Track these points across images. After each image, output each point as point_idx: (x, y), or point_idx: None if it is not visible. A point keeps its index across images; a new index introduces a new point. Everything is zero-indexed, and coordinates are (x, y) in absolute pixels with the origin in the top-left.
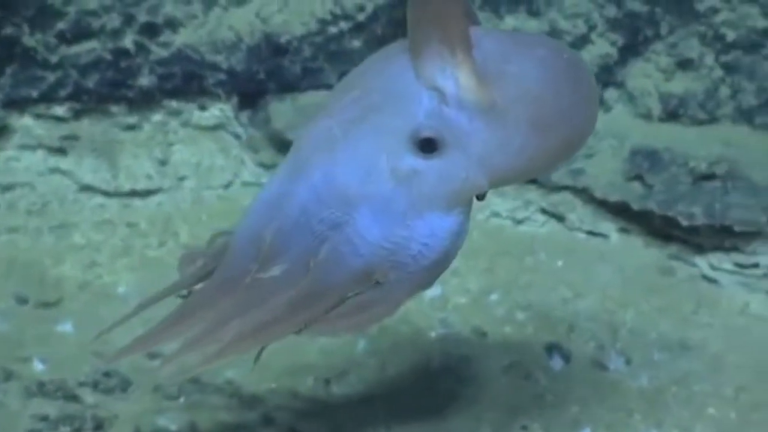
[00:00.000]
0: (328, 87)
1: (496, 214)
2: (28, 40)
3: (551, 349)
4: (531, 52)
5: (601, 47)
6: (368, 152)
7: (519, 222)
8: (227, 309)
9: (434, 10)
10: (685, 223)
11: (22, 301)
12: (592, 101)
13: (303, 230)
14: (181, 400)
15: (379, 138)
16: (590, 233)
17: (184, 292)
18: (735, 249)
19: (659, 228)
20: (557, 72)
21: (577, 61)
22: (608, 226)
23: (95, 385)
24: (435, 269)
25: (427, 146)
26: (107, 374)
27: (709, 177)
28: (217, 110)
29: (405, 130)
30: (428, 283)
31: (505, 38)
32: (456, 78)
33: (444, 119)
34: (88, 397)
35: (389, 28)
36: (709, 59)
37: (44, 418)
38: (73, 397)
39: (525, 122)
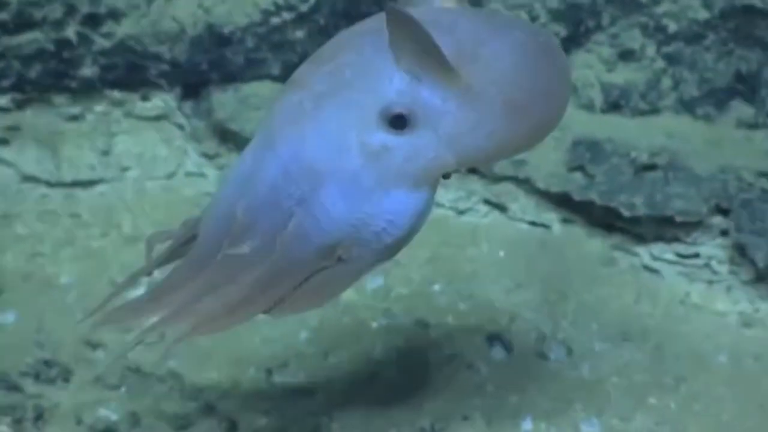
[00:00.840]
0: (271, 77)
1: (439, 205)
2: None
3: (493, 339)
4: (506, 35)
5: None
6: (338, 127)
7: (462, 212)
8: (200, 286)
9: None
10: (626, 213)
11: None
12: (565, 85)
13: (271, 206)
14: (123, 389)
15: (349, 113)
16: (532, 224)
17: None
18: (676, 239)
19: (601, 218)
20: (532, 55)
21: (552, 44)
22: (550, 217)
23: (37, 376)
24: (397, 245)
25: (398, 123)
26: (48, 364)
27: (651, 167)
28: (160, 101)
29: (376, 106)
30: (388, 258)
31: (481, 20)
32: (431, 68)
33: (416, 98)
34: (30, 387)
35: (332, 18)
36: (651, 50)
37: None
38: (15, 387)
39: (498, 105)
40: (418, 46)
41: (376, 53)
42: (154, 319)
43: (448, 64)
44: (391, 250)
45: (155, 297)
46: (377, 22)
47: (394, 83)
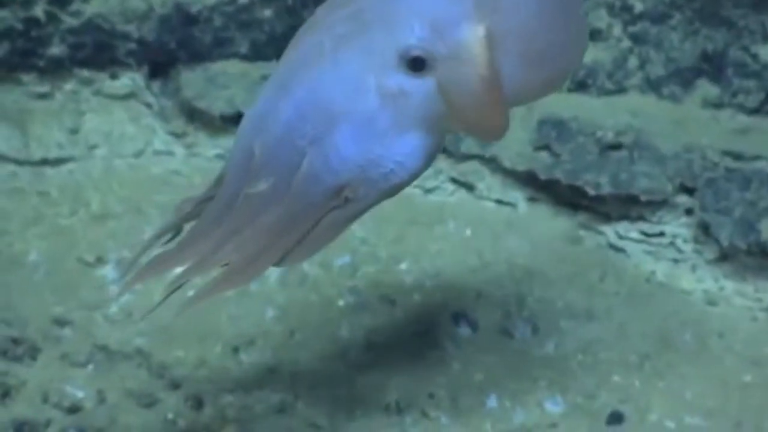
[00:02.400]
0: (239, 56)
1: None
2: None
3: (458, 317)
4: None
5: None
6: (357, 68)
7: (428, 191)
8: (223, 231)
9: None
10: (592, 192)
11: None
12: (582, 36)
13: (287, 145)
14: (90, 367)
15: (369, 55)
16: (499, 202)
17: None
18: (641, 218)
19: (567, 197)
20: (549, 7)
21: None
22: (516, 195)
23: (3, 353)
24: (402, 186)
25: (417, 65)
26: (16, 342)
27: (616, 147)
28: (128, 79)
29: (396, 49)
30: (390, 197)
31: None
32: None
33: (435, 41)
34: None
35: None
36: (618, 30)
37: None
38: None
39: (516, 54)
40: None
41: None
42: (181, 269)
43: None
44: (396, 190)
45: (183, 247)
46: None
47: (415, 28)
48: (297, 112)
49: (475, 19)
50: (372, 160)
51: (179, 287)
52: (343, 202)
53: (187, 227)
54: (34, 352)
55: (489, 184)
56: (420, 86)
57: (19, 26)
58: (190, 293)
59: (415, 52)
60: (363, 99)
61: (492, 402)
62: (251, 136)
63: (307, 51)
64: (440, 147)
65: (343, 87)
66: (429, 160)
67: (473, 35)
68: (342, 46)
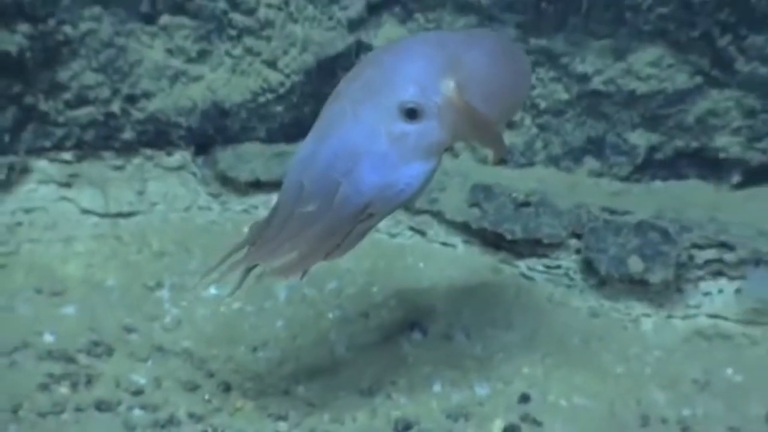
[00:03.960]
0: (259, 140)
1: (377, 230)
2: (43, 106)
3: (414, 325)
4: (481, 45)
5: None
6: (371, 121)
7: (393, 236)
8: (283, 236)
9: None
10: (509, 237)
11: (39, 291)
12: (526, 76)
13: (326, 178)
14: (149, 362)
15: (378, 111)
16: (443, 244)
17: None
18: (544, 255)
19: (491, 241)
20: (500, 58)
21: (515, 48)
22: (456, 239)
23: (88, 351)
24: (409, 200)
25: (412, 114)
26: (96, 344)
27: (527, 204)
28: (180, 156)
29: (396, 105)
30: (399, 208)
31: (462, 36)
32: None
33: (422, 96)
34: (83, 360)
35: (302, 97)
36: (528, 121)
37: (51, 375)
38: (72, 360)
39: (479, 95)
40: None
41: (392, 68)
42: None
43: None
44: (405, 203)
45: (256, 249)
46: (385, 48)
47: (408, 89)
48: (332, 154)
49: (447, 76)
50: (388, 184)
51: (253, 267)
52: (367, 216)
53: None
54: (110, 351)
55: (436, 231)
56: (416, 129)
57: (101, 118)
58: (236, 305)
59: (410, 105)
60: (377, 142)
61: (437, 387)
62: (299, 173)
63: (335, 111)
64: (437, 168)
65: (363, 135)
66: (429, 179)
67: (447, 88)
68: (359, 107)
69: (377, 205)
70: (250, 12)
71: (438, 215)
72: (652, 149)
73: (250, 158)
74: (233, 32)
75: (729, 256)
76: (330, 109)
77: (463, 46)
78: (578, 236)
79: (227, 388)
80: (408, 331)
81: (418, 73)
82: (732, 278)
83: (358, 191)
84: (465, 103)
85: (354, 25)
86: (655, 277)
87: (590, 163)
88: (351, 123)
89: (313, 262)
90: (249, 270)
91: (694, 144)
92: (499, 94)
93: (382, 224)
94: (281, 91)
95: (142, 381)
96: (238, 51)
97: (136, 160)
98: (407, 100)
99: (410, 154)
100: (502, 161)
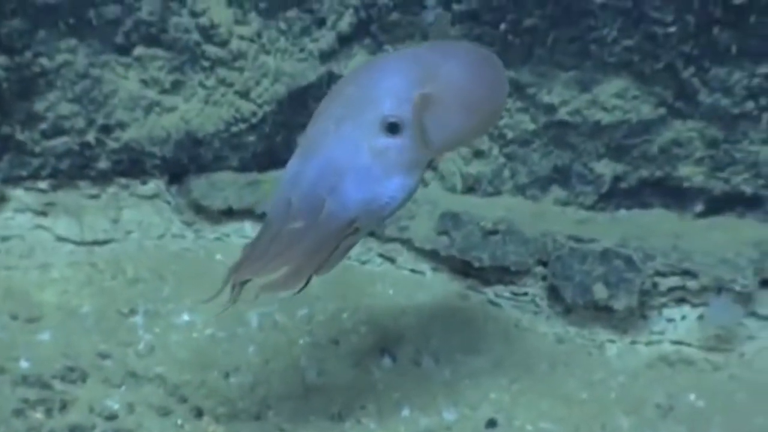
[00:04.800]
0: (232, 168)
1: (347, 258)
2: (20, 136)
3: (383, 351)
4: (455, 57)
5: None
6: (353, 138)
7: (363, 263)
8: (272, 253)
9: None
10: (477, 264)
11: (14, 317)
12: (502, 85)
13: (313, 195)
14: (123, 388)
15: (359, 128)
16: (412, 271)
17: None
18: (511, 283)
19: (459, 268)
20: (475, 69)
21: (490, 56)
22: (424, 266)
23: (62, 377)
24: (392, 213)
25: (393, 129)
26: (71, 369)
27: (494, 232)
28: (154, 185)
29: (377, 120)
30: (384, 221)
31: (436, 48)
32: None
33: (402, 110)
34: (58, 385)
35: (274, 127)
36: (496, 150)
37: (26, 401)
38: (47, 386)
39: (456, 106)
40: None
41: (371, 84)
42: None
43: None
44: (389, 215)
45: (244, 264)
46: (363, 65)
47: (386, 104)
48: (317, 172)
49: (418, 88)
50: (372, 198)
51: (246, 283)
52: (353, 231)
53: None
54: (84, 377)
55: (405, 258)
56: (398, 143)
57: (77, 148)
58: (208, 331)
59: (391, 120)
60: (360, 158)
61: (406, 412)
62: (288, 191)
63: (318, 130)
64: (419, 183)
65: (346, 151)
66: (413, 192)
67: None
68: (341, 124)
69: (362, 220)
70: (223, 44)
71: (407, 243)
72: (617, 178)
73: (222, 187)
74: (206, 63)
75: (692, 284)
76: (313, 128)
77: (440, 59)
78: (544, 264)
79: (199, 413)
80: (378, 356)
81: (396, 88)
82: (695, 305)
83: (343, 207)
84: (418, 115)
85: (325, 56)
86: (620, 303)
87: (556, 192)
88: (334, 140)
89: (303, 277)
90: (242, 285)
91: (658, 173)
92: (477, 104)
93: (353, 251)
94: (253, 120)
95: (116, 406)
96: (211, 82)
97: (111, 189)
98: (387, 114)
99: (393, 168)
100: (470, 189)
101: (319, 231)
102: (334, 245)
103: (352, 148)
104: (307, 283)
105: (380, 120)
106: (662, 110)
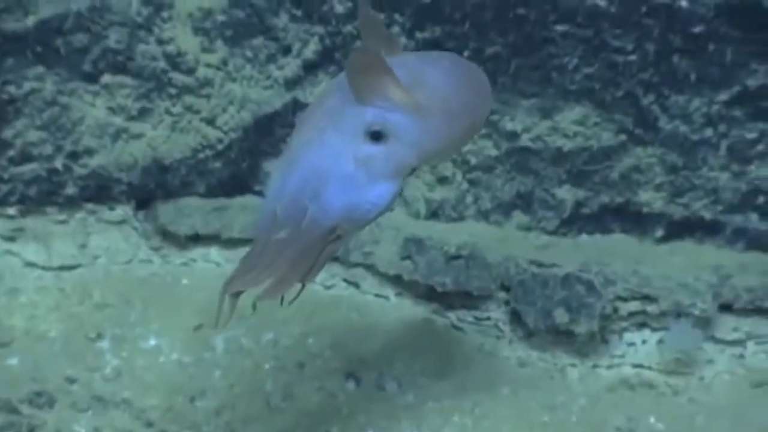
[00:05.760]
0: (198, 194)
1: (312, 283)
2: None
3: (348, 375)
4: (439, 65)
5: None
6: (336, 146)
7: (328, 288)
8: (262, 263)
9: (365, 68)
10: (440, 289)
11: None
12: (486, 94)
13: (296, 204)
14: (90, 412)
15: (343, 136)
16: (377, 295)
17: None
18: (474, 307)
19: (423, 293)
20: (458, 76)
21: (472, 66)
22: (388, 291)
23: (30, 401)
24: (374, 219)
25: (377, 137)
26: (39, 394)
27: (457, 257)
28: (121, 210)
29: (361, 128)
30: (366, 227)
31: (421, 57)
32: (391, 98)
33: (386, 118)
34: (26, 410)
35: (240, 154)
36: (459, 176)
37: None
38: (14, 410)
39: (439, 114)
40: (382, 81)
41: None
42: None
43: (405, 91)
44: (371, 222)
45: (236, 275)
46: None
47: (370, 110)
48: (300, 181)
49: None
50: (354, 205)
51: (239, 294)
52: (336, 238)
53: None
54: (51, 401)
55: (370, 283)
56: (381, 151)
57: (45, 174)
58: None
59: (375, 128)
60: (343, 165)
61: None
62: (272, 202)
63: (302, 139)
64: (400, 190)
65: (329, 159)
66: (393, 199)
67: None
68: (324, 133)
69: (345, 226)
70: (190, 71)
71: (371, 268)
72: (579, 204)
73: (189, 212)
74: (173, 91)
75: (652, 308)
76: (297, 137)
77: (424, 66)
78: (507, 289)
79: None
80: (342, 381)
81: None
82: (655, 329)
83: (325, 214)
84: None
85: (290, 83)
86: (581, 328)
87: (519, 217)
88: (317, 149)
89: (290, 285)
90: (236, 297)
91: (619, 199)
92: (461, 112)
93: (318, 277)
94: (220, 147)
95: (83, 431)
96: (178, 109)
97: (79, 215)
98: (371, 122)
99: (376, 176)
100: (434, 215)
101: (302, 238)
102: (318, 252)
103: (335, 155)
104: (300, 292)
105: (364, 128)
106: (623, 137)
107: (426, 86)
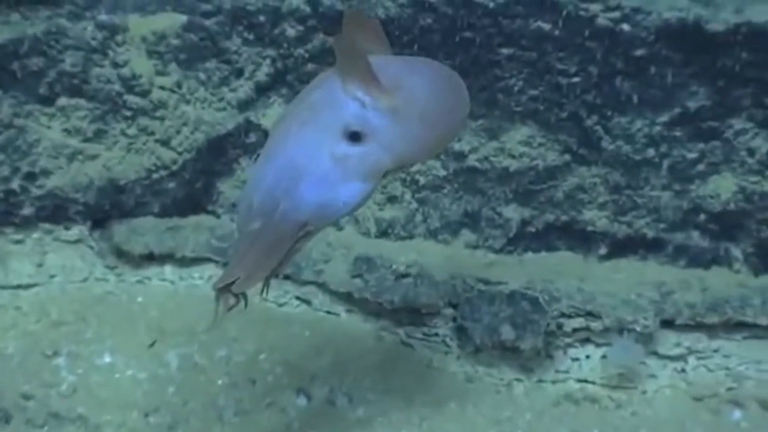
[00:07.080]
0: (153, 214)
1: (265, 300)
2: None
3: (299, 391)
4: (420, 70)
5: None
6: (314, 142)
7: (281, 305)
8: (237, 254)
9: (349, 57)
10: (389, 307)
11: None
12: (464, 101)
13: (270, 196)
14: (46, 428)
15: (321, 133)
16: (328, 312)
17: None
18: (423, 324)
19: (373, 310)
20: (438, 82)
21: (452, 74)
22: (339, 308)
23: None
24: (343, 217)
25: (354, 137)
26: None
27: (406, 275)
28: (77, 230)
29: (339, 127)
30: (334, 223)
31: (401, 62)
32: (370, 95)
33: (365, 119)
34: None
35: (194, 174)
36: (408, 196)
37: None
38: None
39: (417, 119)
40: (362, 73)
41: (337, 90)
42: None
43: (381, 85)
44: (340, 219)
45: (225, 271)
46: (332, 74)
47: (350, 110)
48: (276, 174)
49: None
50: (326, 202)
51: (228, 287)
52: (305, 233)
53: None
54: (8, 417)
55: (321, 300)
56: (358, 152)
57: (1, 195)
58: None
59: (353, 128)
60: (319, 162)
61: None
62: (250, 193)
63: (281, 132)
64: (374, 191)
65: (306, 155)
66: (366, 199)
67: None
68: (304, 128)
69: (314, 222)
70: (144, 94)
71: (323, 286)
72: (525, 222)
73: (144, 232)
74: (128, 113)
75: (595, 325)
76: (277, 131)
77: (404, 71)
78: (454, 306)
79: None
80: (293, 396)
81: (361, 96)
82: (598, 345)
83: (296, 209)
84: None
85: (243, 106)
86: (526, 344)
87: (466, 235)
88: (294, 143)
89: (259, 278)
90: (227, 293)
91: (564, 218)
92: (438, 118)
93: (270, 294)
94: (174, 168)
95: None
96: (132, 130)
97: (36, 235)
98: (350, 122)
99: (351, 175)
100: (384, 234)
101: (272, 231)
102: (287, 246)
103: (312, 152)
104: (267, 286)
105: (342, 127)
106: (567, 157)
107: (406, 90)
